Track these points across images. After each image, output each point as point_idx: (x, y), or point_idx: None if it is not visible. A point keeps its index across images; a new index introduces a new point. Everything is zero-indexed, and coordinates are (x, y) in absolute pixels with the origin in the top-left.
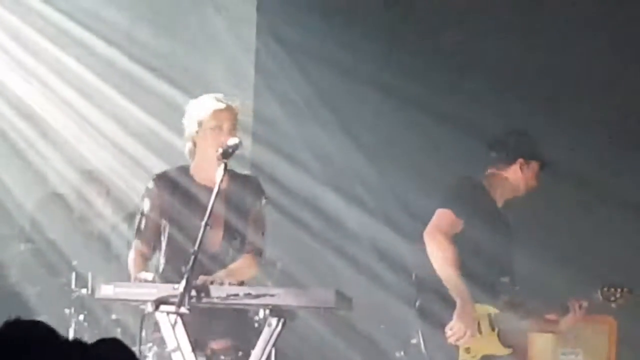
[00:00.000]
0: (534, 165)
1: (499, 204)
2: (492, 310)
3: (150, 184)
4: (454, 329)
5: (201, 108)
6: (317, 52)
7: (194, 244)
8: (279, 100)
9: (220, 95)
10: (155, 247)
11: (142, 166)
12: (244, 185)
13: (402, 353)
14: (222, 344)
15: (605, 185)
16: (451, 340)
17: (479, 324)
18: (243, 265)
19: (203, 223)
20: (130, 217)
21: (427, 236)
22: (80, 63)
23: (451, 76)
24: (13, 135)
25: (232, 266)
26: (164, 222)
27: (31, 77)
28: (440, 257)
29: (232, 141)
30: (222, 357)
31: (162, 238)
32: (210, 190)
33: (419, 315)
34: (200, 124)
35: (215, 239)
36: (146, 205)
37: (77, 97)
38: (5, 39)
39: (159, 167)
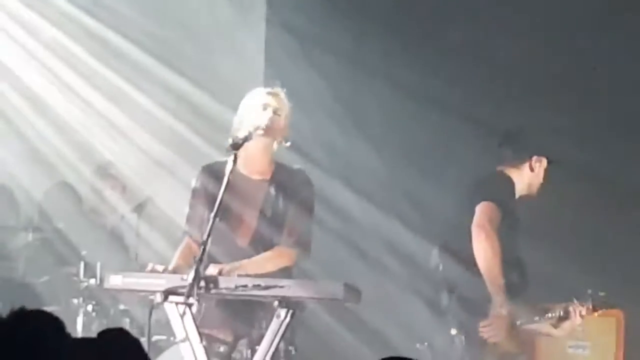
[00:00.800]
0: (545, 162)
1: (515, 197)
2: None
3: (196, 176)
4: (492, 327)
5: (260, 91)
6: (327, 43)
7: (227, 234)
8: (288, 92)
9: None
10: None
11: (152, 157)
12: (290, 177)
13: (425, 344)
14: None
15: (611, 181)
16: (485, 336)
17: None
18: (265, 258)
19: (212, 215)
20: (139, 208)
21: (477, 228)
22: (89, 54)
23: (461, 70)
24: (23, 125)
25: (250, 259)
26: (207, 213)
27: (43, 67)
28: (489, 249)
29: (242, 133)
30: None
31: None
32: (253, 180)
33: (458, 305)
34: (251, 108)
35: (246, 233)
36: (193, 198)
37: (86, 86)
38: (19, 30)
39: (168, 157)
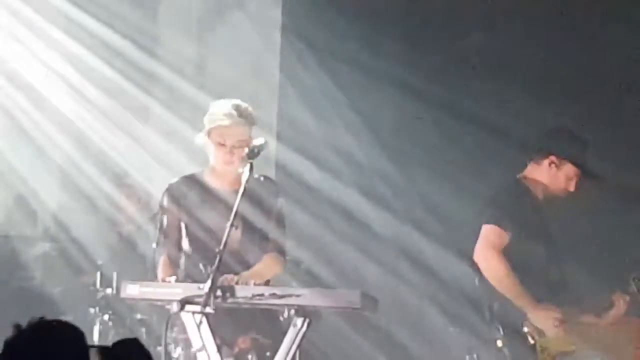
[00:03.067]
0: (569, 165)
1: (540, 197)
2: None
3: (164, 192)
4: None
5: (210, 119)
6: (341, 52)
7: (206, 245)
8: (303, 100)
9: (233, 106)
10: (178, 250)
11: (171, 169)
12: (262, 185)
13: (474, 356)
14: (248, 341)
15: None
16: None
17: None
18: (266, 264)
19: (228, 224)
20: (155, 218)
21: (477, 257)
22: (109, 66)
23: (476, 77)
24: (39, 134)
25: (256, 267)
26: (180, 226)
27: (58, 77)
28: (495, 274)
29: (258, 141)
30: (249, 355)
31: (181, 242)
32: (222, 192)
33: (498, 318)
34: (208, 133)
35: (234, 237)
36: (163, 212)
37: (103, 97)
38: (30, 36)
39: (187, 167)
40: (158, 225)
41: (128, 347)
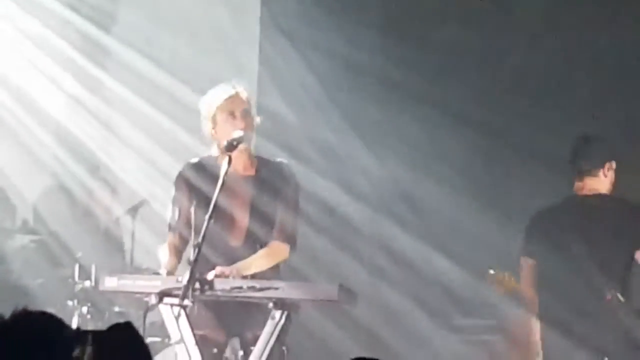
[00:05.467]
0: (614, 164)
1: None
2: None
3: (179, 175)
4: None
5: (210, 102)
6: (321, 45)
7: (220, 234)
8: (282, 94)
9: (225, 85)
10: (187, 237)
11: (147, 159)
12: (274, 171)
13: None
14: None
15: None
16: None
17: None
18: (263, 255)
19: (207, 217)
20: (134, 210)
21: None
22: (83, 55)
23: (457, 71)
24: (17, 126)
25: (251, 257)
26: (192, 212)
27: (37, 71)
28: None
29: (237, 134)
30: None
31: (192, 228)
32: (239, 178)
33: None
34: (214, 118)
35: (238, 232)
36: (175, 196)
37: (82, 91)
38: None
39: (163, 159)
40: (170, 206)
41: (123, 331)
